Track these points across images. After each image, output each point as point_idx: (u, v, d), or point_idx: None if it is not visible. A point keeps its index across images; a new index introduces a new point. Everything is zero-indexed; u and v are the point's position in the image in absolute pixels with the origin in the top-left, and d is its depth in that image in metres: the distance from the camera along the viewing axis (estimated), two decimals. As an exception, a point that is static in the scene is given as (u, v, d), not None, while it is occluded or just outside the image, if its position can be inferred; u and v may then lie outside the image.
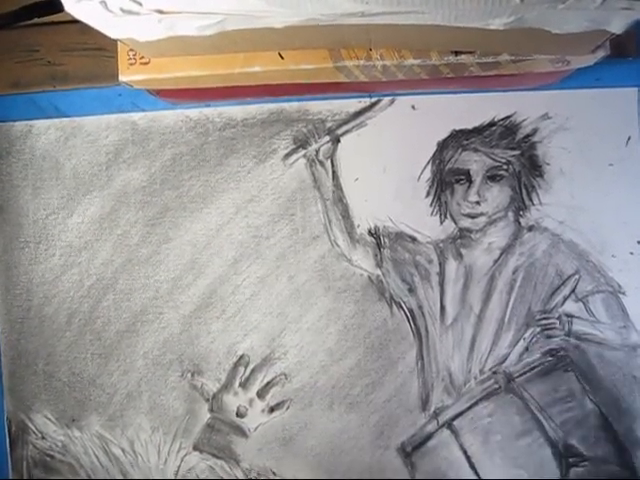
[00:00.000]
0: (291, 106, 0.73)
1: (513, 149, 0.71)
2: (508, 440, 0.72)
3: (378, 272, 0.73)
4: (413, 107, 0.72)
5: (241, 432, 0.74)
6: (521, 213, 0.71)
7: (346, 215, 0.73)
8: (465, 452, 0.72)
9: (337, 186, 0.73)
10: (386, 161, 0.72)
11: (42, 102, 0.75)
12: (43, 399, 0.76)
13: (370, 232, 0.73)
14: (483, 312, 0.72)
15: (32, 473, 0.78)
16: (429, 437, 0.73)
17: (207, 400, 0.75)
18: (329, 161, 0.73)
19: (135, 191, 0.75)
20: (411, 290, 0.73)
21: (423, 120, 0.72)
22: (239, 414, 0.74)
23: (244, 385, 0.74)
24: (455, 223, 0.72)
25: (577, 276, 0.71)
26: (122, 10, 0.44)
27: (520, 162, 0.71)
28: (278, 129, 0.73)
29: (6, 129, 0.76)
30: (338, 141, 0.72)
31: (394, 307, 0.73)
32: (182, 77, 0.60)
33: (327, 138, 0.72)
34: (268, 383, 0.74)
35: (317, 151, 0.73)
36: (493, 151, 0.71)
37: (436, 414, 0.73)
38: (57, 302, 0.76)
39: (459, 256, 0.72)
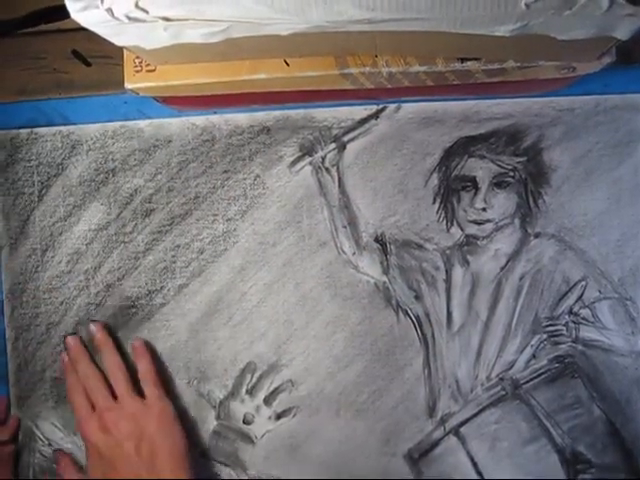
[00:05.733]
0: (297, 113, 0.73)
1: (519, 156, 0.71)
2: (515, 447, 0.71)
3: (385, 279, 0.73)
4: (419, 114, 0.72)
5: (248, 439, 0.74)
6: (528, 220, 0.71)
7: (352, 222, 0.73)
8: (472, 459, 0.72)
9: (343, 193, 0.73)
10: (392, 168, 0.72)
11: (48, 109, 0.75)
12: (50, 406, 0.76)
13: (376, 239, 0.73)
14: (490, 319, 0.71)
15: (38, 480, 0.78)
16: (436, 444, 0.72)
17: (214, 407, 0.75)
18: (335, 168, 0.72)
19: (141, 198, 0.75)
20: (418, 297, 0.72)
21: (429, 127, 0.72)
22: (246, 421, 0.74)
23: (251, 392, 0.74)
24: (462, 230, 0.72)
25: (584, 282, 0.71)
26: (128, 18, 0.44)
27: (526, 169, 0.71)
28: (284, 136, 0.73)
29: (12, 136, 0.76)
30: (344, 148, 0.72)
31: (401, 314, 0.73)
32: (188, 84, 0.60)
33: (333, 145, 0.72)
34: (275, 390, 0.74)
35: (323, 158, 0.73)
36: (499, 158, 0.71)
37: (443, 421, 0.72)
38: (64, 309, 0.76)
39: (466, 263, 0.72)
